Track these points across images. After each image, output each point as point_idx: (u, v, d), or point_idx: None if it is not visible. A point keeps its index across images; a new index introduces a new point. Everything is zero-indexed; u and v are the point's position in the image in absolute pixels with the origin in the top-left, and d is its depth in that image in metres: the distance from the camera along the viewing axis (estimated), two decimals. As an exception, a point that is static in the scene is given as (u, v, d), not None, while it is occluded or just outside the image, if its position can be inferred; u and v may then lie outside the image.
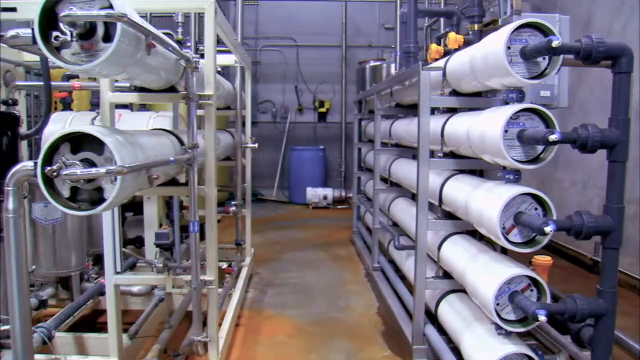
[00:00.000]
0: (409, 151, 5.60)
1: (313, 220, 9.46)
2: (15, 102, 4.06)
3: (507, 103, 3.51)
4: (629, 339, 3.34)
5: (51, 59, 1.88)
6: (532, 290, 2.74)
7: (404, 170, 5.16)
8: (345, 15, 11.38)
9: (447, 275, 3.72)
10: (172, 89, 2.94)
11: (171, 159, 2.43)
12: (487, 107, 3.41)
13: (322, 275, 5.93)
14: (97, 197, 2.04)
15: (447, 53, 4.33)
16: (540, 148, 2.70)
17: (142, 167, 2.04)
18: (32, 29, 1.97)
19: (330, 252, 7.04)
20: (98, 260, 4.50)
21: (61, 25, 1.83)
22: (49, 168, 1.89)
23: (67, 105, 5.09)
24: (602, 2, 5.52)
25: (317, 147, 11.35)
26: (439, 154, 3.67)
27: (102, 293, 3.97)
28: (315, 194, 10.69)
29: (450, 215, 3.75)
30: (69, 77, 5.11)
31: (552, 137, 2.42)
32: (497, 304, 2.72)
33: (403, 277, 4.96)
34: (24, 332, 2.17)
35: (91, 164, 1.96)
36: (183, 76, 2.90)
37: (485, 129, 2.83)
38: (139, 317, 3.61)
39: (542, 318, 2.45)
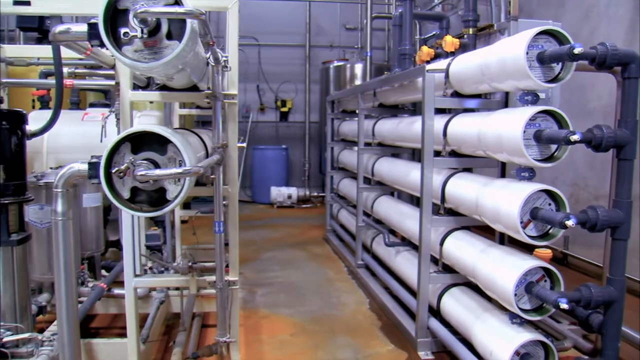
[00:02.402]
0: (393, 150, 5.76)
1: (281, 219, 9.46)
2: (0, 100, 3.85)
3: (506, 104, 3.72)
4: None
5: (116, 56, 1.84)
6: (545, 280, 2.92)
7: (390, 168, 5.29)
8: (309, 15, 11.44)
9: (448, 269, 3.87)
10: (193, 88, 2.91)
11: (214, 158, 2.41)
12: (492, 108, 3.61)
13: (306, 273, 5.97)
14: (156, 198, 2.01)
15: (438, 55, 4.51)
16: (553, 147, 2.88)
17: (209, 167, 2.02)
18: (91, 25, 1.92)
19: (307, 250, 7.09)
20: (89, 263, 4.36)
21: (132, 21, 1.78)
22: (116, 169, 1.85)
23: (45, 104, 4.87)
24: (569, 8, 5.87)
25: (279, 147, 11.34)
26: (443, 154, 3.79)
27: (100, 297, 3.86)
28: (279, 193, 10.68)
29: (450, 212, 3.88)
30: (46, 75, 4.89)
31: (574, 138, 2.59)
32: (515, 295, 2.88)
33: (391, 273, 5.08)
34: (73, 340, 2.10)
35: (154, 164, 1.93)
36: (205, 75, 2.88)
37: (502, 129, 2.97)
38: (146, 321, 3.53)
39: (564, 306, 2.61)
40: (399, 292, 4.56)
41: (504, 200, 2.96)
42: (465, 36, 4.07)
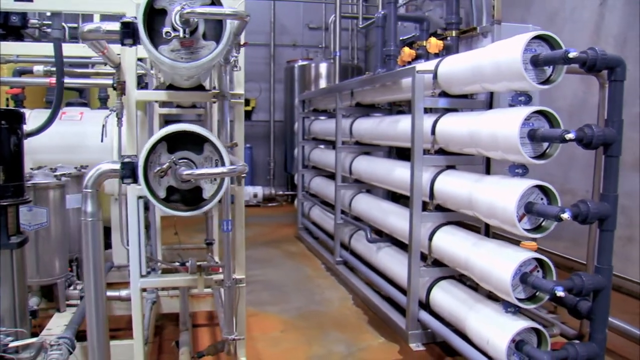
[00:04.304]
0: (369, 148, 5.87)
1: (249, 218, 9.24)
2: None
3: (491, 105, 3.90)
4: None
5: (154, 55, 1.84)
6: (538, 270, 3.10)
7: (370, 166, 5.39)
8: (273, 15, 11.42)
9: (437, 263, 4.01)
10: (198, 87, 2.90)
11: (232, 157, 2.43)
12: (476, 108, 3.78)
13: (284, 271, 6.02)
14: (189, 197, 2.01)
15: (419, 56, 4.65)
16: (545, 145, 3.06)
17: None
18: (124, 24, 1.91)
19: (281, 249, 7.12)
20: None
21: (174, 21, 1.79)
22: (158, 168, 1.85)
23: (19, 103, 4.69)
24: (535, 11, 6.16)
25: (244, 146, 11.25)
26: (430, 152, 3.93)
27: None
28: (245, 192, 10.61)
29: (438, 208, 4.03)
30: (20, 73, 4.71)
31: (569, 136, 2.76)
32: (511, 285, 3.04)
33: (371, 269, 5.18)
34: (102, 341, 2.07)
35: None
36: (209, 75, 2.88)
37: (497, 128, 3.12)
38: (144, 322, 3.48)
39: (561, 293, 2.78)
40: (385, 287, 4.67)
41: (500, 195, 3.11)
42: (449, 38, 4.22)
